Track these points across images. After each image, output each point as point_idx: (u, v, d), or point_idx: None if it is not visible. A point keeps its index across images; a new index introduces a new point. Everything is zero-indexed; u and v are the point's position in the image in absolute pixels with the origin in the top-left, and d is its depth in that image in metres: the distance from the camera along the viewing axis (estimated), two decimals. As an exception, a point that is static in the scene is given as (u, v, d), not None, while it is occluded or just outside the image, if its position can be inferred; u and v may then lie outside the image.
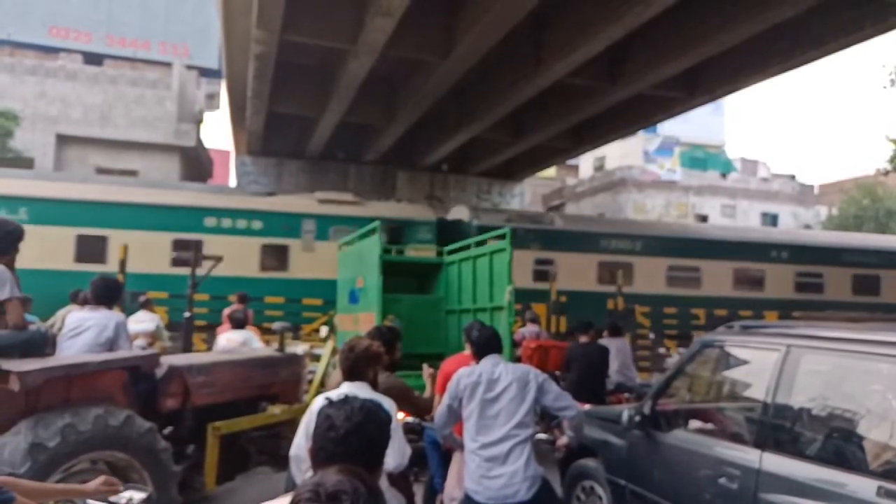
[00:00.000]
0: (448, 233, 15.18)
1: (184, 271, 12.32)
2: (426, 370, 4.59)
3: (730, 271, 17.40)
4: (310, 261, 14.47)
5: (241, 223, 14.38)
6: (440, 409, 3.72)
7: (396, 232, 15.59)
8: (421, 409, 4.27)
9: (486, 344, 3.74)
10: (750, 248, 17.82)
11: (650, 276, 16.45)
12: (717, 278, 17.12)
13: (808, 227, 31.67)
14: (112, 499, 2.25)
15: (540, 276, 15.06)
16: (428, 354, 6.59)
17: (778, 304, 16.72)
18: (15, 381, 3.46)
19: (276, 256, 14.38)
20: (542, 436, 4.51)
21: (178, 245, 13.37)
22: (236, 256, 13.23)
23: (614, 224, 19.52)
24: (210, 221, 14.13)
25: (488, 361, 3.67)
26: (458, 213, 16.78)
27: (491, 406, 3.53)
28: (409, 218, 15.73)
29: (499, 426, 3.49)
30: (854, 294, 18.21)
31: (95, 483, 2.28)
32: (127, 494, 2.29)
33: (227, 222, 14.27)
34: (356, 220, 14.85)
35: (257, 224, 14.47)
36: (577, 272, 15.30)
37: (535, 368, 3.78)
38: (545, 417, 5.46)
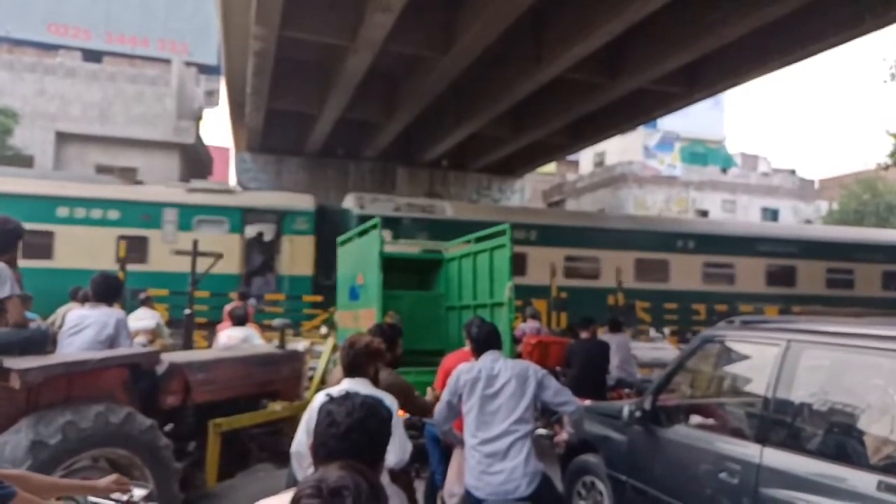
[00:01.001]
0: (330, 222, 14.83)
1: (36, 264, 11.79)
2: (430, 392, 4.61)
3: (631, 261, 16.93)
4: (171, 252, 14.33)
5: (96, 213, 13.91)
6: (440, 405, 3.72)
7: (267, 221, 15.31)
8: (422, 409, 4.26)
9: (486, 340, 3.73)
10: (653, 238, 17.43)
11: (546, 266, 15.76)
12: (617, 269, 16.60)
13: (808, 221, 31.68)
14: (113, 496, 2.25)
15: None
16: (428, 351, 6.61)
17: (683, 296, 16.38)
18: (16, 379, 3.46)
19: (134, 248, 13.34)
20: (542, 431, 4.51)
21: (27, 236, 12.97)
22: (89, 248, 12.87)
23: (510, 213, 18.80)
24: (62, 211, 13.71)
25: (488, 357, 3.67)
26: (348, 201, 16.31)
27: (491, 402, 3.53)
28: (283, 207, 15.27)
29: (498, 422, 3.48)
30: (768, 285, 17.86)
31: (107, 480, 2.27)
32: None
33: (80, 212, 13.83)
34: (222, 209, 14.64)
35: (114, 214, 13.99)
36: None
37: (535, 364, 3.78)
38: (545, 413, 5.46)
